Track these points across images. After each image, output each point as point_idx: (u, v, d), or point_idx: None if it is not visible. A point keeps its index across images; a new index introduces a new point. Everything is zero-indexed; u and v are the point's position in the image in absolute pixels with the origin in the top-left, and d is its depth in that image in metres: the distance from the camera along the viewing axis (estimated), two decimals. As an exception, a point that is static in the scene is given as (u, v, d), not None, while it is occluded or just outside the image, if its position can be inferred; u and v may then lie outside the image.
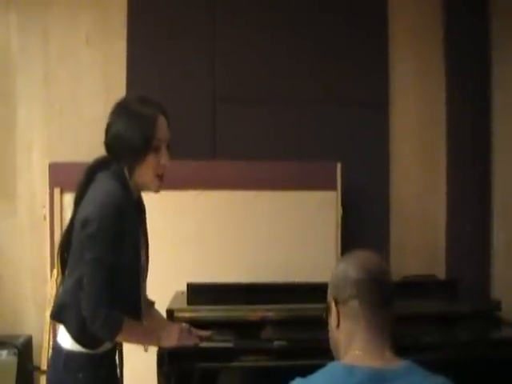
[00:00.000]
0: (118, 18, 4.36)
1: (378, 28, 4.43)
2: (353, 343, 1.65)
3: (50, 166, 3.89)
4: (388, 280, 1.70)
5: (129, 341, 2.37)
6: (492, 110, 4.34)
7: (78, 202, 2.33)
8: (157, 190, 2.38)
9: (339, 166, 3.98)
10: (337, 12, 4.42)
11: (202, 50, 4.36)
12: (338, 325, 1.68)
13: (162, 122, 2.34)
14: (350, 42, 4.40)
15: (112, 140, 2.32)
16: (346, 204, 4.01)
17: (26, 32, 4.34)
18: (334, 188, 3.97)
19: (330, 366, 1.63)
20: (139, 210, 2.45)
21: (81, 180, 2.36)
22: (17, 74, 4.33)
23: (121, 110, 2.34)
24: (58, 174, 3.85)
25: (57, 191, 3.86)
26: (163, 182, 2.38)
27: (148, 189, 2.38)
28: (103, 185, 2.29)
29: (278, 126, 4.34)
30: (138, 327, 2.40)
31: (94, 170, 2.35)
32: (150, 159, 2.30)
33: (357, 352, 1.64)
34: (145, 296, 2.48)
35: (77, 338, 2.27)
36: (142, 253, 2.41)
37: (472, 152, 4.33)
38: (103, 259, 2.19)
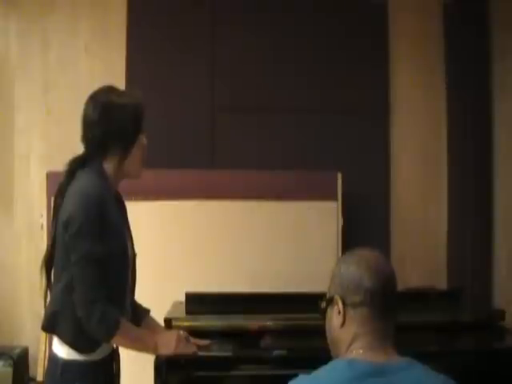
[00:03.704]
0: (117, 27, 4.38)
1: (378, 37, 4.44)
2: (355, 343, 1.67)
3: (47, 174, 3.87)
4: (395, 286, 1.72)
5: (125, 344, 2.32)
6: (493, 118, 4.31)
7: (59, 205, 2.30)
8: (141, 175, 2.43)
9: (340, 175, 3.96)
10: (337, 22, 4.43)
11: (201, 59, 4.37)
12: (343, 325, 1.68)
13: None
14: (350, 52, 4.41)
15: (104, 136, 2.31)
16: (347, 214, 3.98)
17: (26, 40, 4.36)
18: (334, 198, 3.95)
19: (332, 362, 1.66)
20: (119, 204, 2.44)
21: (61, 182, 2.34)
22: (16, 82, 4.34)
23: (106, 107, 2.32)
24: (56, 183, 3.81)
25: (54, 200, 3.83)
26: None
27: (135, 173, 2.40)
28: (82, 181, 2.28)
29: (278, 135, 4.33)
30: (136, 330, 2.36)
31: (72, 170, 2.33)
32: (141, 139, 2.37)
33: (360, 351, 1.65)
34: (133, 293, 2.46)
35: (72, 343, 2.23)
36: (129, 244, 2.39)
37: (473, 161, 4.30)
38: (90, 254, 2.17)
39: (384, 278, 1.68)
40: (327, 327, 1.75)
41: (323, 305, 1.74)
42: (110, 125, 2.30)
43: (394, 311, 1.70)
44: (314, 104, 4.39)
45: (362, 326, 1.66)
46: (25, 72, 4.34)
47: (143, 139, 2.37)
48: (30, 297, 4.15)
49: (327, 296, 1.74)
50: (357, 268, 1.69)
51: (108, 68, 4.33)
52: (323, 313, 1.75)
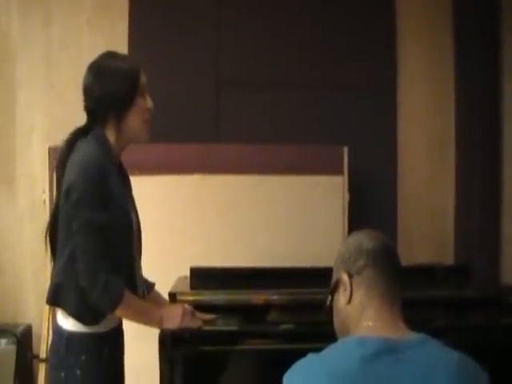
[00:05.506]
0: (119, 2, 4.32)
1: (386, 11, 4.35)
2: (364, 314, 1.63)
3: (49, 149, 3.82)
4: (396, 250, 1.73)
5: (129, 316, 2.29)
6: (502, 95, 4.27)
7: (60, 175, 2.27)
8: (146, 138, 2.36)
9: (346, 150, 3.91)
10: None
11: (205, 33, 4.31)
12: (350, 299, 1.66)
13: (142, 71, 2.34)
14: (357, 26, 4.34)
15: (98, 101, 2.27)
16: (353, 189, 3.93)
17: (27, 17, 4.29)
18: (340, 173, 3.89)
19: (342, 341, 1.61)
20: (123, 174, 2.40)
21: (61, 152, 2.30)
22: (18, 59, 4.29)
23: (100, 71, 2.29)
24: (58, 158, 3.80)
25: (57, 175, 3.81)
26: (151, 131, 2.38)
27: (138, 138, 2.35)
28: (82, 150, 2.23)
29: (283, 109, 4.28)
30: (140, 302, 2.34)
31: (73, 140, 2.29)
32: (139, 102, 2.30)
33: (370, 323, 1.61)
34: (139, 266, 2.42)
35: (76, 314, 2.20)
36: (133, 216, 2.35)
37: (481, 138, 4.26)
38: (92, 222, 2.13)
39: (383, 240, 1.70)
40: (334, 314, 1.73)
41: (328, 300, 1.73)
42: (102, 90, 2.25)
43: (399, 272, 1.69)
44: (321, 79, 4.32)
45: (370, 289, 1.65)
46: (27, 49, 4.29)
47: (144, 102, 2.32)
48: (33, 274, 4.14)
49: (331, 284, 1.73)
50: (355, 238, 1.73)
51: (110, 43, 4.23)
52: (330, 308, 1.74)
